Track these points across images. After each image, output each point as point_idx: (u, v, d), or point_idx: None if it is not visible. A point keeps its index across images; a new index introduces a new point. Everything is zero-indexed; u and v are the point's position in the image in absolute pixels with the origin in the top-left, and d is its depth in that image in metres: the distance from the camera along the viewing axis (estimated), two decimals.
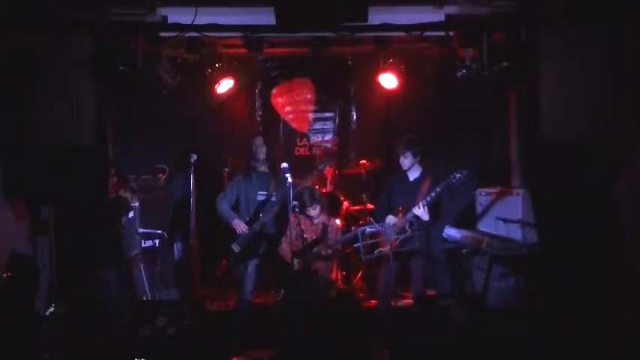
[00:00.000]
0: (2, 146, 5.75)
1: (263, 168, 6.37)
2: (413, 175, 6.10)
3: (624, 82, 5.95)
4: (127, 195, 6.34)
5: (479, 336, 5.39)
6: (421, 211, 5.82)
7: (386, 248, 5.79)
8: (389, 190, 6.24)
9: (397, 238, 5.83)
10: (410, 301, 6.30)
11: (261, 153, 6.33)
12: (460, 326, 5.56)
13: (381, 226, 5.80)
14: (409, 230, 5.77)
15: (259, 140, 6.39)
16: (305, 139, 8.55)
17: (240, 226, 6.17)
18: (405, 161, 6.05)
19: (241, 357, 5.90)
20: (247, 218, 6.24)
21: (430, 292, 7.08)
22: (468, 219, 6.79)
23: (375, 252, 5.92)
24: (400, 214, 5.89)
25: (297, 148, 8.53)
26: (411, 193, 5.99)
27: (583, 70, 6.00)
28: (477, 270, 6.56)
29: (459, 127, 7.76)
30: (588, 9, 5.91)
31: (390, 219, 5.92)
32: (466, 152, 7.79)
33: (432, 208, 5.87)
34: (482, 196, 6.85)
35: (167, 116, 7.68)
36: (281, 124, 8.50)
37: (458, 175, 5.80)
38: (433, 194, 5.82)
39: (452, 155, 7.52)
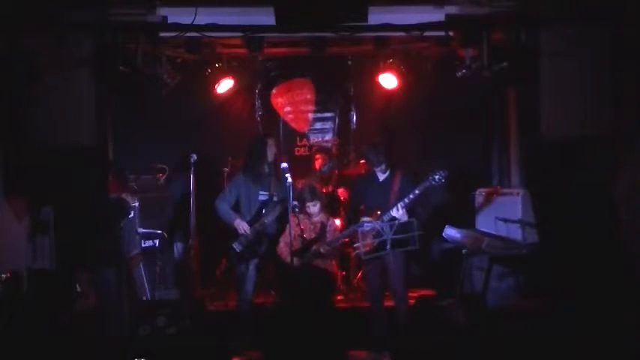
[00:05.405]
0: (2, 146, 5.75)
1: (265, 167, 6.36)
2: (383, 175, 6.08)
3: (624, 82, 5.95)
4: (128, 197, 6.34)
5: (479, 336, 5.40)
6: (400, 213, 5.74)
7: (362, 250, 5.77)
8: (360, 192, 6.23)
9: (374, 241, 5.80)
10: (412, 301, 6.28)
11: (271, 155, 6.32)
12: (460, 326, 5.57)
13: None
14: (390, 232, 5.64)
15: (271, 141, 6.37)
16: (305, 139, 8.56)
17: (242, 227, 6.16)
18: (380, 168, 6.03)
19: (241, 357, 5.90)
20: (249, 218, 6.24)
21: (430, 292, 7.11)
22: (465, 219, 6.79)
23: (354, 254, 5.91)
24: (375, 217, 5.88)
25: (297, 148, 8.54)
26: (382, 193, 5.96)
27: (583, 70, 6.01)
28: (477, 270, 6.56)
29: (459, 127, 7.76)
30: (588, 9, 5.91)
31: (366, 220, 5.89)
32: (466, 152, 7.80)
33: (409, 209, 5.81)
34: (482, 196, 6.85)
35: (167, 116, 7.69)
36: (281, 124, 8.51)
37: (437, 177, 5.75)
38: (412, 196, 5.74)
39: (452, 155, 7.51)
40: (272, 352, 5.79)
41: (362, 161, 7.70)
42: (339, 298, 7.10)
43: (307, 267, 6.27)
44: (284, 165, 6.05)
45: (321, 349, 5.67)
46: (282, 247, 6.32)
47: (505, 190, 6.74)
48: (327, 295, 6.38)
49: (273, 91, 8.48)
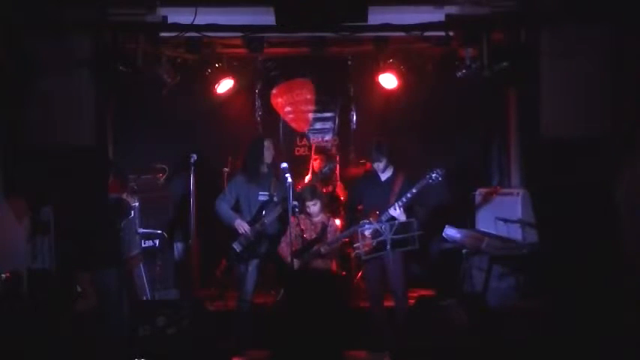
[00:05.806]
0: (2, 146, 5.75)
1: (264, 168, 6.36)
2: (385, 175, 6.07)
3: (624, 82, 5.94)
4: (129, 198, 6.35)
5: (479, 336, 5.40)
6: (398, 213, 5.78)
7: (362, 250, 5.76)
8: (360, 191, 6.23)
9: (373, 241, 5.79)
10: (412, 301, 6.28)
11: (269, 157, 6.31)
12: (460, 326, 5.56)
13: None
14: (389, 232, 5.65)
15: (268, 143, 6.36)
16: (305, 139, 8.56)
17: (243, 227, 6.16)
18: (381, 165, 6.03)
19: (241, 357, 5.90)
20: (249, 219, 6.23)
21: (430, 292, 7.11)
22: (465, 219, 6.79)
23: (354, 254, 5.91)
24: (374, 216, 5.87)
25: (297, 148, 8.54)
26: (383, 193, 5.97)
27: (583, 70, 6.00)
28: (477, 270, 6.56)
29: (459, 127, 7.77)
30: (588, 9, 5.91)
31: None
32: (466, 152, 7.80)
33: (407, 208, 5.82)
34: (481, 196, 6.85)
35: (167, 116, 7.69)
36: (281, 124, 8.51)
37: (434, 175, 5.76)
38: (409, 195, 5.77)
39: (452, 155, 7.51)
40: (278, 351, 5.77)
41: (362, 161, 7.71)
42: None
43: (317, 269, 6.25)
44: (284, 165, 6.06)
45: (322, 349, 5.65)
46: (284, 247, 6.32)
47: (505, 190, 6.75)
48: (342, 296, 6.33)
49: (273, 91, 8.48)
